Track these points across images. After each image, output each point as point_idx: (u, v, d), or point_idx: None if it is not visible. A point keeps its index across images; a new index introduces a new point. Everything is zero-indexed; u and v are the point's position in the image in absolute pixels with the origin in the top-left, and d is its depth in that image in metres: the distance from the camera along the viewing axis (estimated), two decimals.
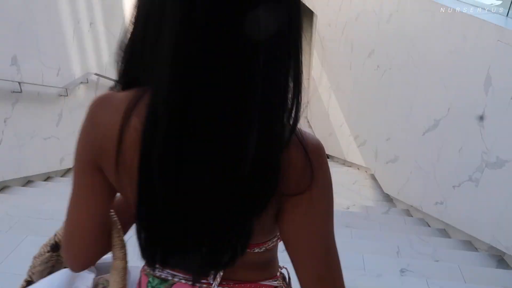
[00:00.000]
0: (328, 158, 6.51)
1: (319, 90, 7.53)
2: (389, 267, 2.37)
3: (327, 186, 0.57)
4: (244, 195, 0.52)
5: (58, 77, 4.17)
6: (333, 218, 0.59)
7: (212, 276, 0.66)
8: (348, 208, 3.85)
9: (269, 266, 0.72)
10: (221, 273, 0.66)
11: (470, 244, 2.90)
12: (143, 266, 0.75)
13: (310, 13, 8.21)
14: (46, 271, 0.83)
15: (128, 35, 0.55)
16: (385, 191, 4.26)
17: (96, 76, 4.95)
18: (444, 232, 3.20)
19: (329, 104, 6.64)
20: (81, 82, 4.60)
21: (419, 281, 2.18)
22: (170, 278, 0.70)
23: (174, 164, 0.50)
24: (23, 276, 0.79)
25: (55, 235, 0.81)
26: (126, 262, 0.72)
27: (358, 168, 5.29)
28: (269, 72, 0.47)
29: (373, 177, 4.64)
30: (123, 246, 0.70)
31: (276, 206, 0.56)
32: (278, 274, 0.74)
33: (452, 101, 3.04)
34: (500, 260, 2.64)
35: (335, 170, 5.07)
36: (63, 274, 0.80)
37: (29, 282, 0.83)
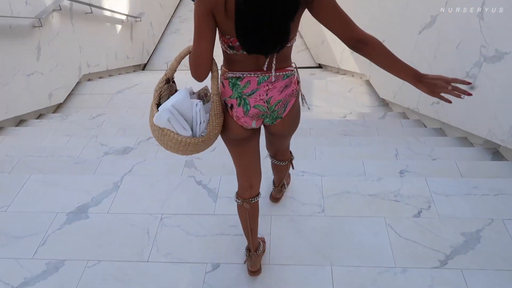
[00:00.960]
0: (321, 67, 6.36)
1: None
2: (388, 170, 2.44)
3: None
4: (287, 7, 1.11)
5: (27, 6, 3.87)
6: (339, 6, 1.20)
7: (269, 66, 1.30)
8: (345, 116, 3.86)
9: (289, 58, 1.38)
10: (275, 63, 1.29)
11: (466, 140, 2.96)
12: (221, 76, 1.38)
13: None
14: (166, 96, 1.43)
15: None
16: (381, 96, 4.24)
17: (69, 1, 4.60)
18: (441, 131, 3.24)
19: None
20: (54, 10, 4.29)
21: (418, 180, 2.26)
22: (241, 75, 1.33)
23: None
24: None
25: (165, 74, 1.42)
26: (218, 72, 1.39)
27: (352, 75, 5.21)
28: None
29: (368, 83, 4.59)
30: (216, 64, 1.36)
31: (301, 12, 1.18)
32: (293, 63, 1.42)
33: None
34: (495, 152, 2.71)
35: (329, 79, 5.00)
36: (182, 91, 1.38)
37: (157, 105, 1.40)
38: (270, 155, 1.88)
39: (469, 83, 1.20)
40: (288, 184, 2.23)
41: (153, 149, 2.91)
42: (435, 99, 3.23)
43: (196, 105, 1.37)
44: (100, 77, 5.59)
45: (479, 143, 2.87)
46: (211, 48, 1.25)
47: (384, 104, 4.25)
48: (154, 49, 7.97)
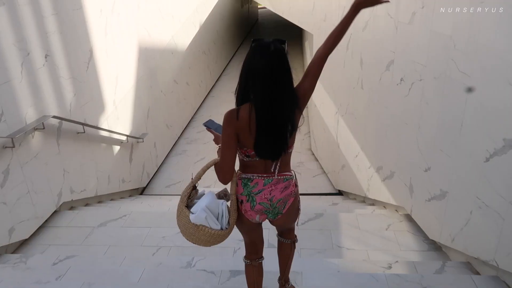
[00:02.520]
0: (341, 194, 5.51)
1: (323, 117, 6.68)
2: None
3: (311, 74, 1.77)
4: (288, 125, 1.68)
5: (1, 123, 3.26)
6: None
7: (273, 170, 1.75)
8: (390, 267, 2.87)
9: (289, 165, 1.82)
10: (278, 167, 1.75)
11: None
12: (235, 177, 1.80)
13: (309, 35, 7.53)
14: (193, 199, 1.84)
15: (239, 82, 1.68)
16: (431, 237, 3.29)
17: (57, 120, 4.04)
18: None
19: (338, 131, 5.76)
20: (36, 129, 3.69)
21: None
22: (251, 177, 1.78)
23: (268, 120, 1.63)
24: None
25: (192, 181, 1.83)
26: (236, 178, 1.82)
27: (384, 207, 4.34)
28: (288, 81, 1.64)
29: (409, 218, 3.68)
30: (235, 172, 1.79)
31: (298, 117, 1.74)
32: (292, 170, 1.85)
33: None
34: None
35: (359, 212, 4.11)
36: (210, 194, 1.81)
37: (187, 206, 1.81)
38: (277, 234, 2.16)
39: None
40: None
41: None
42: None
43: (222, 203, 1.83)
44: (87, 204, 4.77)
45: None
46: (235, 158, 1.72)
47: (436, 247, 3.28)
48: (156, 171, 7.34)
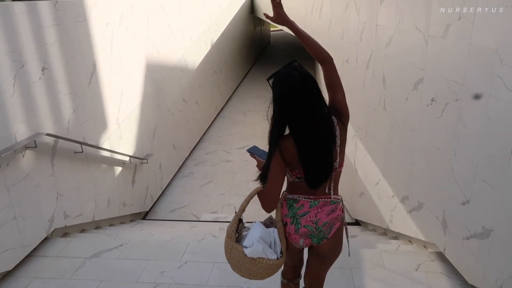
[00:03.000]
0: (358, 224, 5.00)
1: None
2: None
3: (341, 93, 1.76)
4: (330, 151, 1.68)
5: None
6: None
7: (327, 191, 1.74)
8: None
9: (337, 188, 1.78)
10: (326, 188, 1.72)
11: None
12: (281, 198, 1.78)
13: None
14: (241, 232, 1.81)
15: (273, 117, 1.64)
16: (471, 281, 2.83)
17: (52, 138, 3.72)
18: None
19: (356, 156, 5.35)
20: (27, 147, 3.36)
21: None
22: (297, 198, 1.75)
23: (311, 149, 1.63)
24: None
25: (236, 215, 1.79)
26: (280, 205, 1.81)
27: (410, 241, 3.88)
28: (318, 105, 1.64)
29: (441, 257, 3.23)
30: (279, 199, 1.79)
31: (344, 136, 1.74)
32: (339, 195, 1.80)
33: None
34: None
35: (382, 249, 3.66)
36: (258, 224, 1.78)
37: (236, 241, 1.77)
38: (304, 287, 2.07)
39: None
40: None
41: None
42: None
43: (273, 231, 1.79)
44: (82, 230, 4.40)
45: None
46: (282, 186, 1.69)
47: None
48: (160, 194, 6.96)
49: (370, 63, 4.53)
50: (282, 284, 2.09)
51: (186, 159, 8.50)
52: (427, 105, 3.25)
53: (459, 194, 2.86)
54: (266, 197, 1.69)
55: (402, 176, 3.87)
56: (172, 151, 7.54)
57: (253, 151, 1.98)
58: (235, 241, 1.76)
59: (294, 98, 1.58)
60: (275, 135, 1.64)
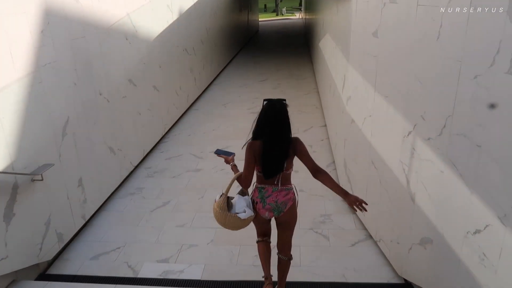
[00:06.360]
0: (410, 286, 3.73)
1: (366, 134, 3.78)
2: None
3: (304, 150, 2.75)
4: (283, 153, 2.73)
5: None
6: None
7: (277, 182, 2.78)
8: None
9: (289, 181, 2.84)
10: (280, 181, 2.77)
11: None
12: (254, 186, 2.89)
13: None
14: (230, 204, 2.87)
15: (255, 124, 2.81)
16: None
17: None
18: None
19: (411, 166, 2.85)
20: None
21: None
22: (264, 186, 2.81)
23: (271, 150, 2.70)
24: None
25: (224, 194, 2.84)
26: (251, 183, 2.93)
27: None
28: (286, 123, 2.76)
29: None
30: (250, 181, 2.90)
31: (292, 157, 2.77)
32: (292, 184, 2.86)
33: None
34: None
35: None
36: (239, 197, 2.87)
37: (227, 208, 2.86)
38: (278, 252, 3.04)
39: (364, 210, 2.56)
40: None
41: None
42: None
43: (248, 198, 2.87)
44: None
45: None
46: (253, 172, 2.77)
47: None
48: (82, 227, 4.35)
49: None
50: (258, 243, 3.05)
51: (136, 167, 5.89)
52: None
53: None
54: (242, 180, 2.80)
55: None
56: (107, 156, 4.92)
57: (219, 152, 2.99)
58: (228, 211, 2.80)
59: (271, 120, 2.69)
60: (254, 136, 2.80)
